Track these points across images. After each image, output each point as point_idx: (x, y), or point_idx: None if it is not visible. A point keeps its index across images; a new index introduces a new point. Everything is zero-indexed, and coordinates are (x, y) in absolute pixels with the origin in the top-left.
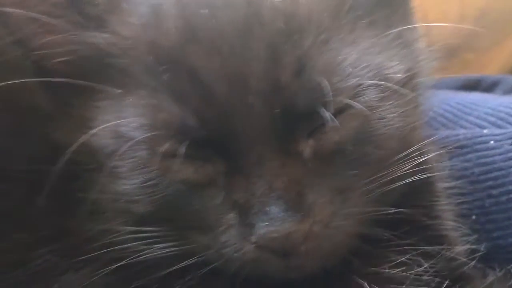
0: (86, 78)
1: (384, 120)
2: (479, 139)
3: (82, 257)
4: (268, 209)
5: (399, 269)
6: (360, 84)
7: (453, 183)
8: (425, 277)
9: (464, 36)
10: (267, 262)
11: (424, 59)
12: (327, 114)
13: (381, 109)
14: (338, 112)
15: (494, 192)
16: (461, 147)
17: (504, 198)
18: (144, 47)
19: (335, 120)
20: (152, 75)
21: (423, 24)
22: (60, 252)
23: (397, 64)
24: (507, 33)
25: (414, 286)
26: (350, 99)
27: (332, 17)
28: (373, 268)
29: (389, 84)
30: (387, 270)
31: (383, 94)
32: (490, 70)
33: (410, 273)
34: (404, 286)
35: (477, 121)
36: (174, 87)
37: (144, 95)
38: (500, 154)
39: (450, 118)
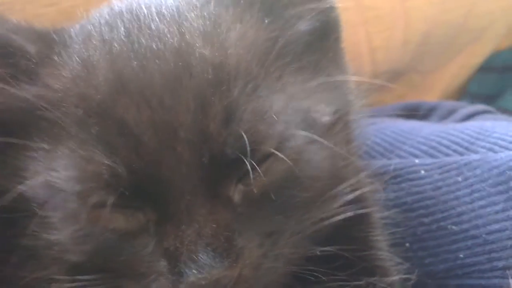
0: (17, 130)
1: (311, 163)
2: (411, 168)
3: None
4: (196, 256)
5: None
6: (286, 131)
7: (387, 213)
8: None
9: (408, 60)
10: None
11: (354, 97)
12: (249, 164)
13: (307, 153)
14: (263, 160)
15: (425, 220)
16: (395, 176)
17: (434, 226)
18: (74, 100)
19: (257, 168)
20: (82, 127)
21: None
22: None
23: (324, 106)
24: (450, 57)
25: None
26: (276, 146)
27: (260, 65)
28: None
29: (316, 128)
30: None
31: (310, 138)
32: (434, 91)
33: None
34: None
35: (411, 150)
36: (104, 138)
37: (74, 147)
38: (430, 183)
39: (386, 147)
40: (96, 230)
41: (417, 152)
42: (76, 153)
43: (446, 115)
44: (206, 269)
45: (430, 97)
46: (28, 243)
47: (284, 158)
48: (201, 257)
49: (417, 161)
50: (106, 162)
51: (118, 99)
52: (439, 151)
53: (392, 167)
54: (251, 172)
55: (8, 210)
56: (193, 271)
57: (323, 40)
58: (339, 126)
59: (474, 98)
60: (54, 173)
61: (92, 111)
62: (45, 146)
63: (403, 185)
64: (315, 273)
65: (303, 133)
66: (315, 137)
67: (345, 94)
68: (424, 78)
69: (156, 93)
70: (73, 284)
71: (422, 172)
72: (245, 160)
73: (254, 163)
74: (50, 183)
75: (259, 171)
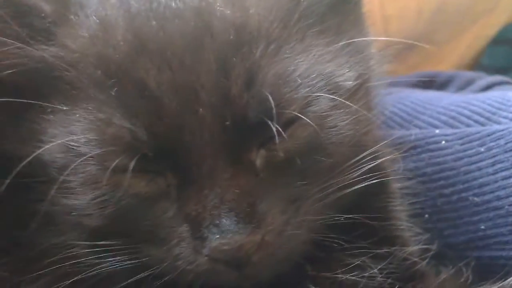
0: (34, 92)
1: (335, 128)
2: (431, 139)
3: (35, 272)
4: (219, 221)
5: (352, 274)
6: (311, 95)
7: (406, 183)
8: (378, 279)
9: (422, 30)
10: (220, 273)
11: (376, 63)
12: (274, 128)
13: (331, 118)
14: (288, 124)
15: (445, 191)
16: (415, 147)
17: (455, 197)
18: (93, 60)
19: (282, 133)
20: (100, 88)
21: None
22: (10, 266)
23: (348, 71)
24: (464, 26)
25: None
26: (300, 110)
27: (282, 26)
28: (326, 274)
29: (340, 92)
30: (340, 276)
31: (333, 103)
32: (448, 62)
33: (363, 276)
34: None
35: (430, 120)
36: (123, 101)
37: (93, 109)
38: (451, 154)
39: (405, 118)
40: (116, 195)
41: (437, 123)
42: (95, 116)
43: (464, 86)
44: (229, 234)
45: (443, 68)
46: (47, 208)
47: (309, 122)
48: (224, 222)
49: (437, 131)
50: (126, 125)
51: (137, 59)
52: (460, 122)
53: (411, 137)
54: (276, 136)
55: (25, 175)
56: (216, 236)
57: (345, 3)
58: (361, 92)
59: (486, 70)
60: (72, 136)
61: (111, 72)
62: (63, 108)
63: (423, 155)
64: (337, 241)
65: (327, 96)
66: (340, 100)
67: (367, 59)
68: (438, 48)
69: (176, 54)
70: (92, 250)
71: (443, 142)
72: (270, 123)
73: (278, 127)
74: (68, 147)
75: (284, 135)
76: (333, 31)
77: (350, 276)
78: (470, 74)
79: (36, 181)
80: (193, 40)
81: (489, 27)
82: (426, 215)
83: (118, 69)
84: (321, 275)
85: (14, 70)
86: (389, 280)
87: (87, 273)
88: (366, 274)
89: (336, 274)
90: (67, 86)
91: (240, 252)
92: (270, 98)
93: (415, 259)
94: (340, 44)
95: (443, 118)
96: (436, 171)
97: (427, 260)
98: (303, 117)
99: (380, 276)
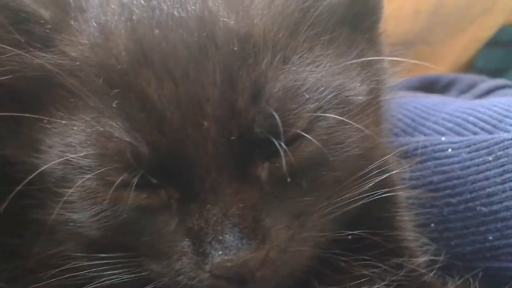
0: (32, 99)
1: (341, 144)
2: (438, 146)
3: (32, 283)
4: (222, 237)
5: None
6: (318, 110)
7: (412, 192)
8: None
9: (418, 30)
10: None
11: (387, 77)
12: (279, 145)
13: (339, 134)
14: (293, 140)
15: (452, 200)
16: (420, 154)
17: (462, 206)
18: (94, 69)
19: (287, 150)
20: (101, 98)
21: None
22: (6, 276)
23: (359, 85)
24: (461, 28)
25: None
26: (307, 126)
27: (289, 36)
28: (334, 286)
29: (349, 107)
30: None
31: (342, 118)
32: (443, 63)
33: None
34: None
35: (435, 127)
36: (125, 112)
37: (92, 120)
38: (458, 162)
39: (408, 124)
40: (117, 210)
41: (442, 129)
42: (95, 128)
43: (466, 89)
44: (233, 250)
45: (438, 69)
46: (42, 217)
47: (314, 141)
48: (227, 238)
49: (443, 138)
50: (127, 139)
51: (139, 70)
52: (466, 129)
53: (416, 145)
54: (282, 155)
55: (21, 182)
56: (219, 252)
57: (361, 20)
58: (372, 107)
59: (480, 73)
60: (70, 149)
61: (113, 82)
62: (61, 117)
63: (429, 163)
64: (342, 256)
65: (335, 116)
66: (347, 121)
67: (379, 73)
68: (434, 50)
69: (180, 65)
70: (91, 263)
71: (450, 150)
72: (275, 141)
73: (283, 144)
74: (67, 160)
75: (288, 153)
76: (344, 42)
77: None
78: (472, 77)
79: (33, 189)
80: (197, 51)
81: (486, 29)
82: (432, 225)
83: (120, 79)
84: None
85: (11, 76)
86: None
87: (86, 286)
88: (378, 287)
89: (344, 287)
90: (66, 94)
91: (244, 269)
92: (277, 116)
93: (423, 271)
94: (351, 55)
95: (449, 125)
96: (443, 180)
97: (434, 271)
98: (307, 136)
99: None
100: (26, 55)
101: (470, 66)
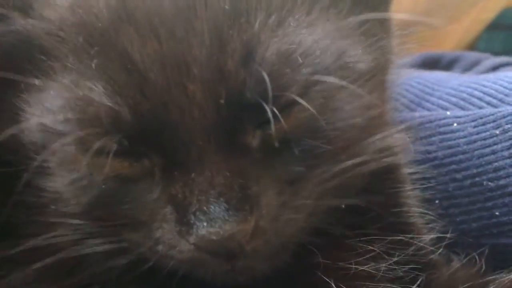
0: (12, 68)
1: (340, 112)
2: (443, 121)
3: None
4: (207, 208)
5: (367, 265)
6: (314, 74)
7: (416, 168)
8: (394, 269)
9: (420, 12)
10: (209, 264)
11: (393, 49)
12: (270, 111)
13: (337, 100)
14: (286, 106)
15: (458, 176)
16: (424, 130)
17: (468, 182)
18: (73, 28)
19: (279, 116)
20: (80, 58)
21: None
22: None
23: (360, 52)
24: (463, 10)
25: (383, 282)
26: (301, 91)
27: None
28: (339, 263)
29: (349, 74)
30: (354, 266)
31: (341, 83)
32: (445, 46)
33: (378, 267)
34: (373, 283)
35: (440, 102)
36: (105, 74)
37: (71, 83)
38: (464, 137)
39: (411, 99)
40: (96, 178)
41: (446, 104)
42: (73, 92)
43: (469, 67)
44: (218, 222)
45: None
46: (28, 198)
47: (308, 106)
48: (212, 209)
49: (448, 113)
50: (107, 103)
51: (121, 28)
52: (471, 103)
53: (421, 120)
54: (272, 121)
55: (6, 164)
56: (203, 223)
57: None
58: (376, 78)
59: None
60: (49, 115)
61: (92, 40)
62: (39, 82)
63: (434, 138)
64: (344, 232)
65: (331, 79)
66: (347, 84)
67: (384, 46)
68: (435, 32)
69: (165, 23)
70: (73, 237)
71: (455, 125)
72: (265, 106)
73: (275, 110)
74: (46, 126)
75: (280, 119)
76: (347, 10)
77: (366, 267)
78: (475, 55)
79: (18, 170)
80: (185, 9)
81: (488, 11)
82: (437, 201)
83: (100, 37)
84: (333, 265)
85: None
86: (404, 269)
87: (63, 255)
88: (382, 265)
89: (350, 264)
90: (44, 58)
91: (231, 242)
92: (267, 80)
93: (430, 248)
94: (353, 22)
95: (453, 99)
96: (448, 155)
97: (441, 249)
98: (301, 101)
99: (397, 266)
100: (4, 23)
101: (472, 49)
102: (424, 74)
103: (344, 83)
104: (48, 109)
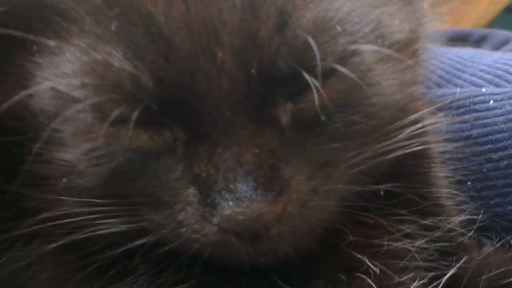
0: (23, 29)
1: (378, 87)
2: (478, 98)
3: (23, 231)
4: (234, 186)
5: (399, 241)
6: (353, 43)
7: (448, 147)
8: (426, 248)
9: None
10: (232, 247)
11: (428, 21)
12: (311, 79)
13: (376, 73)
14: (324, 76)
15: (493, 156)
16: (458, 107)
17: (504, 163)
18: None
19: (318, 86)
20: (99, 21)
21: None
22: None
23: (398, 22)
24: None
25: (415, 261)
26: (339, 62)
27: None
28: (371, 241)
29: (387, 44)
30: (387, 243)
31: (379, 56)
32: (464, 25)
33: (411, 245)
34: (406, 261)
35: (473, 78)
36: (126, 38)
37: (89, 46)
38: (501, 115)
39: (443, 76)
40: (114, 149)
41: (480, 81)
42: (91, 56)
43: (498, 46)
44: (246, 202)
45: None
46: (37, 169)
47: (349, 73)
48: (239, 187)
49: (484, 90)
50: (128, 68)
51: None
52: (507, 81)
53: (453, 97)
54: (314, 89)
55: (15, 131)
56: (230, 203)
57: None
58: (410, 51)
59: None
60: (64, 80)
61: (112, 2)
62: (53, 46)
63: (468, 116)
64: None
65: (372, 47)
66: (388, 51)
67: (420, 14)
68: (454, 11)
69: None
70: (82, 210)
71: (491, 102)
72: (304, 74)
73: (314, 79)
74: (59, 91)
75: (320, 88)
76: None
77: (399, 244)
78: (504, 33)
79: (27, 138)
80: None
81: None
82: (469, 183)
83: None
84: (365, 242)
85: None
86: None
87: (78, 235)
88: (416, 244)
89: (383, 241)
90: (59, 18)
91: (257, 223)
92: (310, 44)
93: (461, 230)
94: None
95: (488, 76)
96: (483, 134)
97: (472, 232)
98: (341, 68)
99: (428, 247)
100: None
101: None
102: (454, 50)
103: (384, 54)
104: (62, 73)
